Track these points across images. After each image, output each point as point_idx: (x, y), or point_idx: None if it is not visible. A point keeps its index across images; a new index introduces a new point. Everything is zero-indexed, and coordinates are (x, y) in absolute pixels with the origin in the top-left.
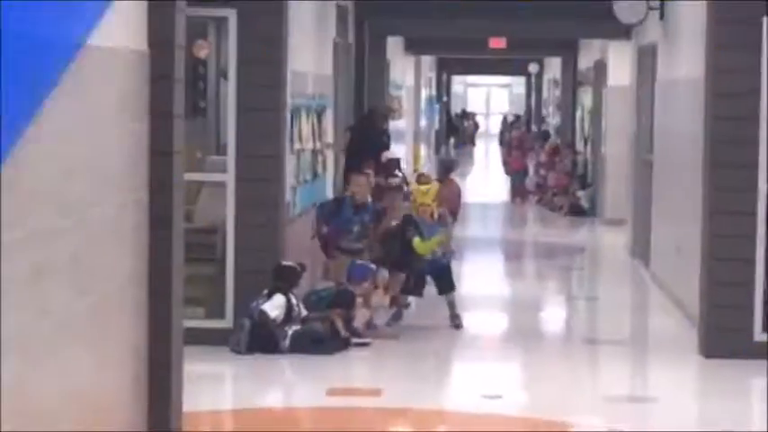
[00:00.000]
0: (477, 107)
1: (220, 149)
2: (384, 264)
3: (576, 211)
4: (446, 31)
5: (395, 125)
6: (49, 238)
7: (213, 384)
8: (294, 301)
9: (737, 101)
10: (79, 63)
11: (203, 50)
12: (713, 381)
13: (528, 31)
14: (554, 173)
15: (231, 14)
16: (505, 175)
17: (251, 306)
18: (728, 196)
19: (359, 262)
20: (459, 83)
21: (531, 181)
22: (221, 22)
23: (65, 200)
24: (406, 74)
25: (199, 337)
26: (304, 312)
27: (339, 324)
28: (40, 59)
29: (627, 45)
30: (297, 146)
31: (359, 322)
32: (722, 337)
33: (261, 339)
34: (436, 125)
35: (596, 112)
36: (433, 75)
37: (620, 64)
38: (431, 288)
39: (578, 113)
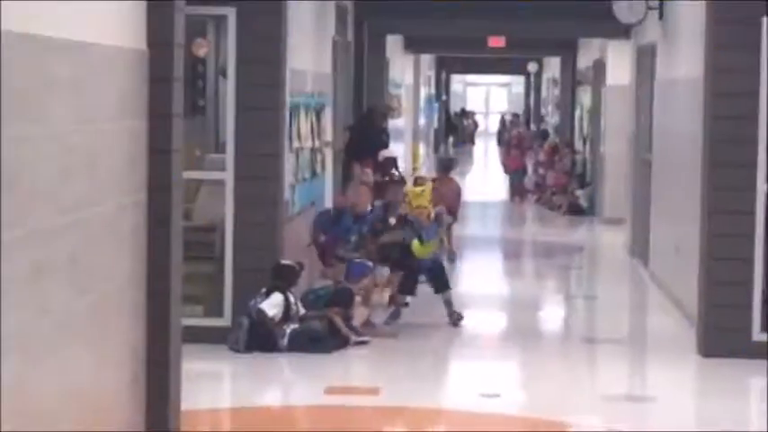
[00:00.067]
0: (477, 106)
1: (219, 148)
2: (383, 263)
3: (575, 211)
4: (445, 30)
5: (394, 124)
6: (48, 238)
7: (212, 383)
8: (292, 299)
9: (736, 100)
10: (79, 62)
11: (202, 49)
12: (712, 380)
13: (527, 31)
14: (553, 172)
15: (230, 13)
16: (504, 174)
17: (249, 304)
18: (727, 196)
19: (357, 260)
20: (458, 82)
21: (529, 180)
22: (220, 21)
23: (64, 199)
24: (406, 72)
25: (197, 336)
26: (302, 311)
27: (339, 322)
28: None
29: (626, 45)
30: (296, 144)
31: (357, 321)
32: (721, 336)
33: (259, 338)
34: (435, 124)
35: (595, 112)
36: (432, 73)
37: (619, 63)
38: (429, 287)
39: (577, 113)
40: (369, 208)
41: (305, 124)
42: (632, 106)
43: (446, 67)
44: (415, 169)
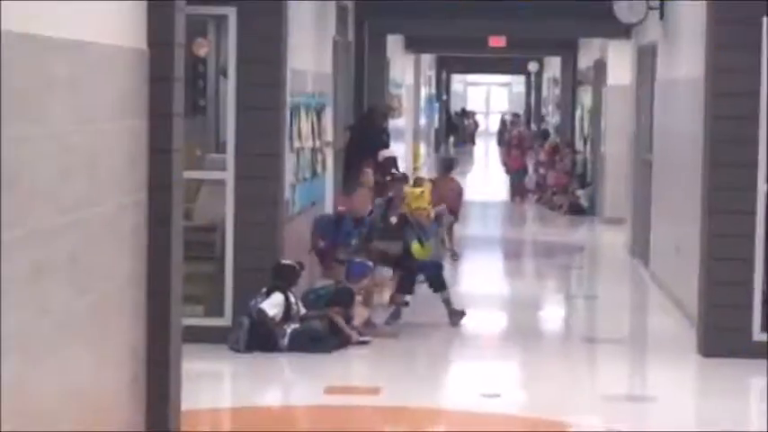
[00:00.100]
0: (477, 106)
1: (220, 147)
2: (384, 263)
3: (576, 210)
4: (446, 30)
5: (394, 123)
6: (48, 237)
7: (212, 382)
8: (293, 299)
9: (737, 100)
10: (79, 61)
11: (203, 49)
12: (712, 380)
13: (528, 31)
14: (553, 172)
15: (231, 13)
16: (505, 174)
17: (250, 304)
18: (728, 196)
19: (357, 260)
20: (458, 81)
21: (530, 180)
22: (221, 21)
23: (64, 199)
24: (406, 72)
25: (198, 336)
26: (303, 311)
27: (341, 321)
28: None
29: (627, 44)
30: (296, 144)
31: (358, 321)
32: (721, 336)
33: (260, 338)
34: (436, 124)
35: (596, 112)
36: (432, 73)
37: (619, 63)
38: (428, 287)
39: (578, 112)
40: (369, 209)
41: (305, 124)
42: (633, 106)
43: (447, 67)
44: (415, 169)
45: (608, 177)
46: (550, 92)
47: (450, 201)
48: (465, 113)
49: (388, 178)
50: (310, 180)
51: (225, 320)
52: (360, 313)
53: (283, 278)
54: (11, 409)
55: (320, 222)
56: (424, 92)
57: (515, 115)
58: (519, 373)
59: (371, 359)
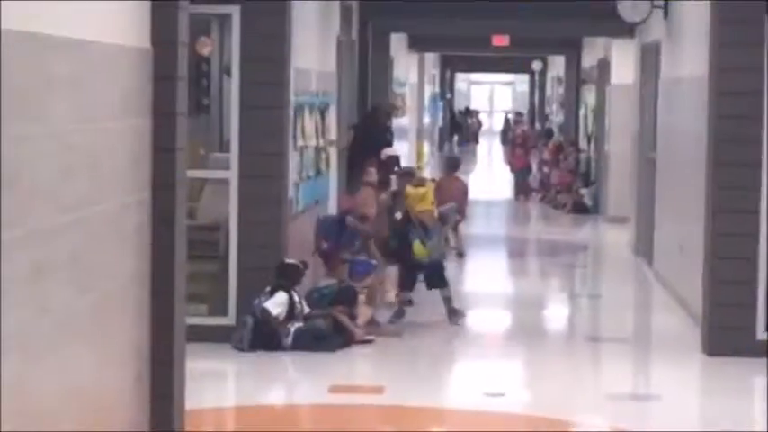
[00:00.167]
0: (481, 104)
1: (224, 146)
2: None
3: (580, 209)
4: (449, 29)
5: (398, 122)
6: (49, 237)
7: (216, 382)
8: (296, 298)
9: (741, 99)
10: (81, 60)
11: (206, 48)
12: (716, 379)
13: (531, 30)
14: (557, 170)
15: (234, 12)
16: (509, 173)
17: (253, 303)
18: (732, 194)
19: (360, 258)
20: (462, 80)
21: (534, 178)
22: (225, 20)
23: (65, 198)
24: (410, 71)
25: (201, 335)
26: (306, 309)
27: (345, 320)
28: None
29: (630, 43)
30: (300, 143)
31: (361, 320)
32: (725, 335)
33: (263, 336)
34: (440, 122)
35: (600, 110)
36: (436, 72)
37: (623, 62)
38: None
39: (582, 111)
40: (374, 210)
41: (309, 123)
42: (636, 105)
43: (450, 66)
44: (419, 168)
45: (612, 176)
46: (554, 91)
47: (457, 200)
48: (469, 112)
49: (394, 174)
50: (314, 179)
51: (229, 319)
52: (363, 312)
53: (287, 277)
54: (11, 409)
55: (323, 224)
56: (427, 91)
57: (519, 114)
58: (523, 372)
59: (375, 358)
